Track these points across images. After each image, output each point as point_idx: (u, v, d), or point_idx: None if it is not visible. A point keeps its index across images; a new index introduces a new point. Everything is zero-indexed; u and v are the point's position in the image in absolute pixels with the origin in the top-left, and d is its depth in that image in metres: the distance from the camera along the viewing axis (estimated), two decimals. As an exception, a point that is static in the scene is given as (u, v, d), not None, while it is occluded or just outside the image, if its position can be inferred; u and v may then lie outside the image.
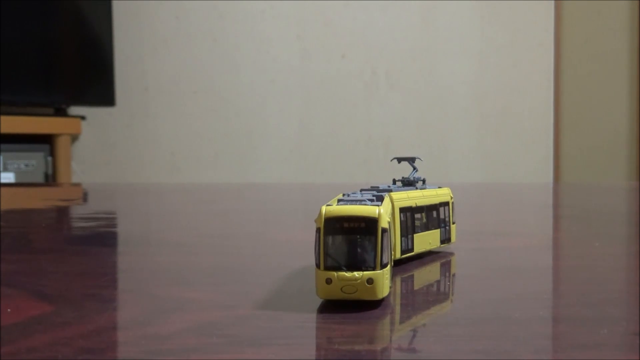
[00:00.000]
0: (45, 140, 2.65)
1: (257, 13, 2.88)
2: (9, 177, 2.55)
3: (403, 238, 0.51)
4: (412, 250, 0.53)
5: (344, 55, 2.91)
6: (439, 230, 0.57)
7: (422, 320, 0.39)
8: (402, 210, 0.51)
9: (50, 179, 2.64)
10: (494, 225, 0.86)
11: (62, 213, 1.05)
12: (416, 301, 0.45)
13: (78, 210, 1.12)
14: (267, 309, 0.41)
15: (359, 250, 0.40)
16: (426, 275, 0.52)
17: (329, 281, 0.39)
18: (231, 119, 2.91)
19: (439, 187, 0.59)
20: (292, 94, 2.92)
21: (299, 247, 0.65)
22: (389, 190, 0.51)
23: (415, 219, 0.53)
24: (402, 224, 0.51)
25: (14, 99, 2.60)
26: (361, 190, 0.51)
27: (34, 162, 2.61)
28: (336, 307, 0.40)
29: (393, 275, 0.46)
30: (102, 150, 2.91)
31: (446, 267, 0.55)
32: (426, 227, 0.55)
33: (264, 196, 1.38)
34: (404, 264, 0.53)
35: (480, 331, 0.36)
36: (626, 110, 3.00)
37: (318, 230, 0.40)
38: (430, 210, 0.56)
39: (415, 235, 0.53)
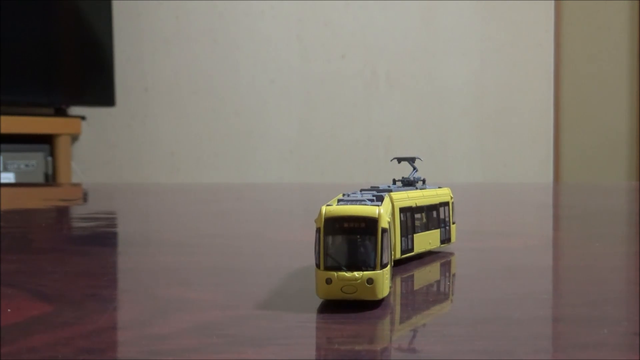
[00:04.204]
0: (45, 140, 2.65)
1: (257, 13, 2.88)
2: (9, 177, 2.55)
3: (403, 238, 0.51)
4: (412, 250, 0.53)
5: (344, 55, 2.91)
6: (439, 230, 0.57)
7: (422, 320, 0.39)
8: (402, 210, 0.51)
9: (50, 179, 2.64)
10: (494, 225, 0.86)
11: (62, 213, 1.05)
12: (416, 301, 0.45)
13: (78, 210, 1.12)
14: (267, 309, 0.41)
15: (359, 250, 0.40)
16: (426, 275, 0.52)
17: (329, 281, 0.39)
18: (231, 119, 2.91)
19: (439, 187, 0.59)
20: (292, 94, 2.91)
21: (299, 247, 0.65)
22: (389, 190, 0.51)
23: (415, 219, 0.53)
24: (402, 224, 0.51)
25: (14, 99, 2.59)
26: (361, 190, 0.51)
27: (34, 162, 2.61)
28: (336, 307, 0.40)
29: (393, 275, 0.46)
30: (102, 150, 2.91)
31: (446, 267, 0.55)
32: (426, 227, 0.55)
33: (264, 196, 1.38)
34: (404, 264, 0.53)
35: (480, 331, 0.36)
36: (626, 110, 3.00)
37: (318, 230, 0.40)
38: (430, 210, 0.56)
39: (415, 235, 0.53)
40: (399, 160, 0.59)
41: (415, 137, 2.94)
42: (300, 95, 2.92)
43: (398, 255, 0.51)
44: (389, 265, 0.41)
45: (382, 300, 0.41)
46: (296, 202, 1.28)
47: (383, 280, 0.40)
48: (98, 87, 2.75)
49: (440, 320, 0.39)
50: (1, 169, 2.54)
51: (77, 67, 2.79)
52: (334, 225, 0.40)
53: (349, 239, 0.40)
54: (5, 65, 2.52)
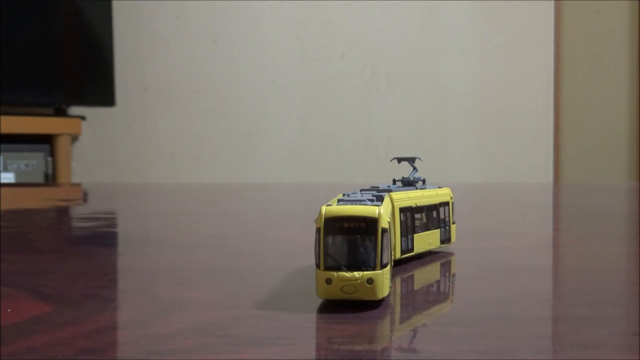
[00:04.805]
0: (45, 140, 2.65)
1: (257, 13, 2.88)
2: (9, 177, 2.55)
3: (403, 238, 0.51)
4: (412, 250, 0.53)
5: (344, 55, 2.91)
6: (439, 230, 0.57)
7: (422, 320, 0.39)
8: (402, 210, 0.51)
9: (50, 179, 2.64)
10: (494, 225, 0.86)
11: (62, 213, 1.05)
12: (416, 301, 0.45)
13: (78, 210, 1.12)
14: (267, 309, 0.41)
15: (359, 250, 0.40)
16: (426, 275, 0.52)
17: (329, 281, 0.39)
18: (231, 119, 2.91)
19: (439, 187, 0.59)
20: (292, 94, 2.91)
21: (299, 247, 0.65)
22: (389, 190, 0.51)
23: (415, 219, 0.53)
24: (402, 224, 0.51)
25: (14, 99, 2.59)
26: (361, 190, 0.51)
27: (34, 162, 2.61)
28: (336, 307, 0.40)
29: (393, 275, 0.46)
30: (102, 150, 2.91)
31: (446, 267, 0.55)
32: (426, 227, 0.55)
33: (264, 196, 1.38)
34: (404, 264, 0.53)
35: (480, 331, 0.36)
36: (626, 110, 3.00)
37: (318, 230, 0.40)
38: (430, 210, 0.56)
39: (415, 235, 0.53)
40: (399, 160, 0.59)
41: (415, 137, 2.94)
42: (300, 95, 2.92)
43: (398, 255, 0.51)
44: (389, 265, 0.41)
45: (382, 300, 0.41)
46: (296, 202, 1.28)
47: (383, 280, 0.40)
48: (98, 87, 2.75)
49: (440, 320, 0.39)
50: (1, 169, 2.54)
51: (77, 67, 2.79)
52: (334, 225, 0.40)
53: (349, 239, 0.40)
54: (5, 65, 2.52)
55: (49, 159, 2.64)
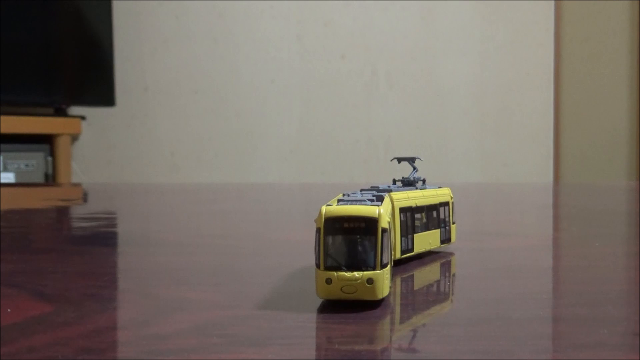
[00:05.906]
0: (45, 140, 2.65)
1: (257, 13, 2.88)
2: (9, 177, 2.55)
3: (403, 238, 0.51)
4: (412, 250, 0.53)
5: (344, 56, 2.91)
6: (439, 230, 0.57)
7: (422, 320, 0.39)
8: (402, 210, 0.51)
9: (50, 179, 2.64)
10: (494, 225, 0.86)
11: (62, 213, 1.05)
12: (416, 301, 0.45)
13: (78, 210, 1.12)
14: (267, 309, 0.41)
15: (359, 250, 0.40)
16: (426, 275, 0.52)
17: (329, 281, 0.39)
18: (231, 119, 2.91)
19: (439, 187, 0.59)
20: (292, 94, 2.92)
21: (299, 247, 0.65)
22: (389, 190, 0.51)
23: (415, 219, 0.53)
24: (402, 224, 0.51)
25: (14, 99, 2.59)
26: (361, 190, 0.51)
27: (34, 162, 2.61)
28: (336, 307, 0.40)
29: (393, 275, 0.46)
30: (102, 150, 2.91)
31: (446, 267, 0.55)
32: (426, 227, 0.55)
33: (264, 196, 1.38)
34: (404, 264, 0.53)
35: (480, 331, 0.36)
36: (626, 110, 3.00)
37: (318, 230, 0.40)
38: (430, 210, 0.56)
39: (415, 235, 0.53)
40: (399, 160, 0.59)
41: (415, 137, 2.94)
42: (300, 95, 2.92)
43: (398, 255, 0.51)
44: (389, 265, 0.41)
45: (382, 300, 0.41)
46: (296, 202, 1.27)
47: (383, 280, 0.40)
48: (98, 87, 2.75)
49: (440, 320, 0.39)
50: (1, 169, 2.54)
51: (77, 67, 2.79)
52: (334, 225, 0.40)
53: (349, 239, 0.40)
54: (5, 65, 2.52)
55: (49, 159, 2.64)
